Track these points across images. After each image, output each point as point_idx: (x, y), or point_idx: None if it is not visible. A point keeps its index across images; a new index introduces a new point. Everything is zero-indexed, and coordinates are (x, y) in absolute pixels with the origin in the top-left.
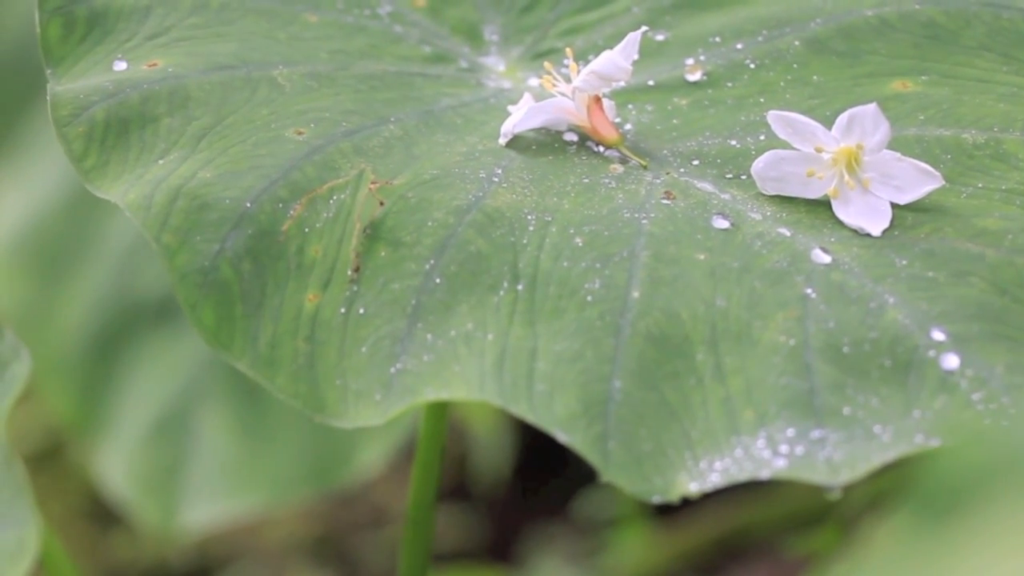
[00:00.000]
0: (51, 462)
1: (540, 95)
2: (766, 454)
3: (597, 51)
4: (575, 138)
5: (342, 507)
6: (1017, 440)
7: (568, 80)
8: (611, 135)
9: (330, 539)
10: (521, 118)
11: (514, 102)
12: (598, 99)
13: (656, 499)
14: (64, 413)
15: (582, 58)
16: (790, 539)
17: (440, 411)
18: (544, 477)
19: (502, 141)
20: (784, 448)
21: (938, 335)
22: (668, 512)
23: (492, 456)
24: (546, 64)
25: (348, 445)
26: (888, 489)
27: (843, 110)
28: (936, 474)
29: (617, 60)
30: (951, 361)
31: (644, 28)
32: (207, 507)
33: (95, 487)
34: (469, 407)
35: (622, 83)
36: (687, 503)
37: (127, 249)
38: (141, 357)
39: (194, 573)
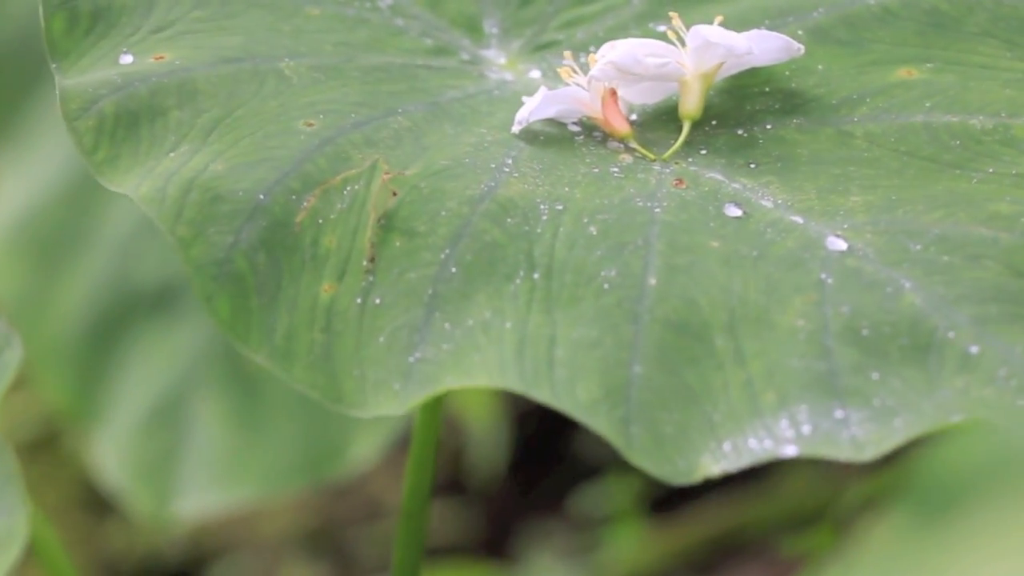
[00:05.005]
0: (47, 451)
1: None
2: (789, 434)
3: (598, 43)
4: (579, 129)
5: (337, 500)
6: (1013, 438)
7: (585, 71)
8: (623, 128)
9: (325, 532)
10: (536, 106)
11: (519, 94)
12: (614, 92)
13: (681, 481)
14: (60, 401)
15: (583, 50)
16: (785, 538)
17: (434, 404)
18: (540, 473)
19: (516, 129)
20: (807, 428)
21: (956, 317)
22: (664, 509)
23: (488, 451)
24: (566, 53)
25: (342, 437)
26: (884, 489)
27: (849, 98)
28: (932, 473)
29: (637, 54)
30: (970, 342)
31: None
32: (200, 497)
33: (90, 476)
34: (465, 401)
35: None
36: (682, 500)
37: (125, 237)
38: (137, 346)
39: (188, 564)
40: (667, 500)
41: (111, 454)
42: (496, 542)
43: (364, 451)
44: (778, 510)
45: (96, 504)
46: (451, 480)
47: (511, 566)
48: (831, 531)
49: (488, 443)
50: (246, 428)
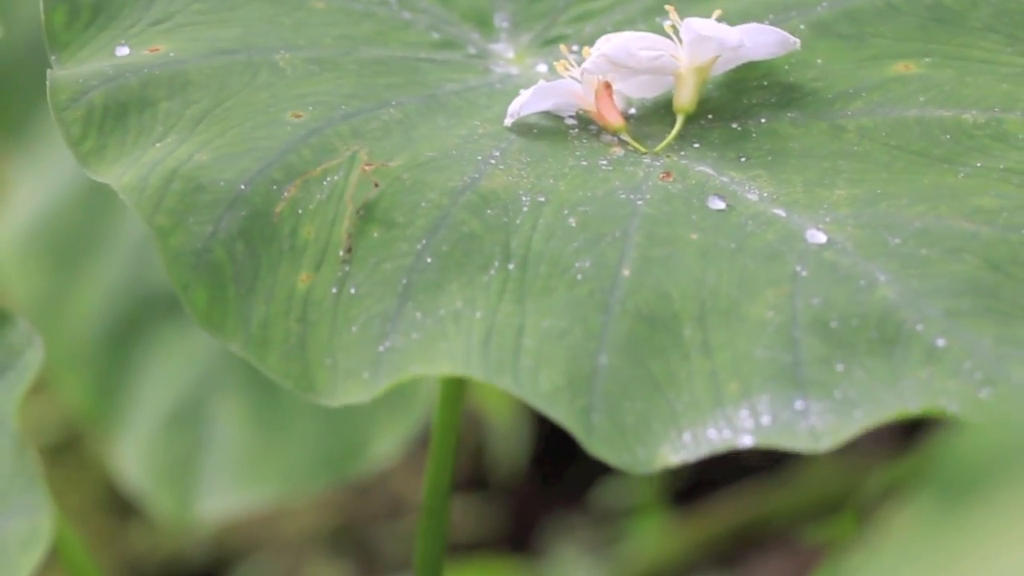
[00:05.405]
0: (69, 454)
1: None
2: (748, 424)
3: None
4: (575, 123)
5: (359, 497)
6: None
7: (580, 64)
8: (616, 121)
9: (348, 529)
10: (528, 99)
11: (521, 87)
12: (608, 85)
13: (639, 471)
14: (79, 404)
15: (590, 44)
16: (808, 527)
17: (454, 399)
18: (562, 466)
19: (507, 122)
20: (766, 419)
21: (928, 310)
22: (686, 501)
23: (510, 445)
24: (562, 47)
25: (363, 435)
26: (906, 476)
27: (845, 92)
28: (954, 460)
29: (630, 47)
30: (938, 335)
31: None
32: (222, 497)
33: (112, 479)
34: (487, 396)
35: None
36: (704, 491)
37: (142, 239)
38: (156, 347)
39: (212, 565)
40: (689, 492)
41: (132, 456)
42: (519, 537)
43: (385, 448)
44: (800, 499)
45: (119, 506)
46: (473, 476)
47: (535, 560)
48: (854, 519)
49: (510, 438)
50: (266, 427)
